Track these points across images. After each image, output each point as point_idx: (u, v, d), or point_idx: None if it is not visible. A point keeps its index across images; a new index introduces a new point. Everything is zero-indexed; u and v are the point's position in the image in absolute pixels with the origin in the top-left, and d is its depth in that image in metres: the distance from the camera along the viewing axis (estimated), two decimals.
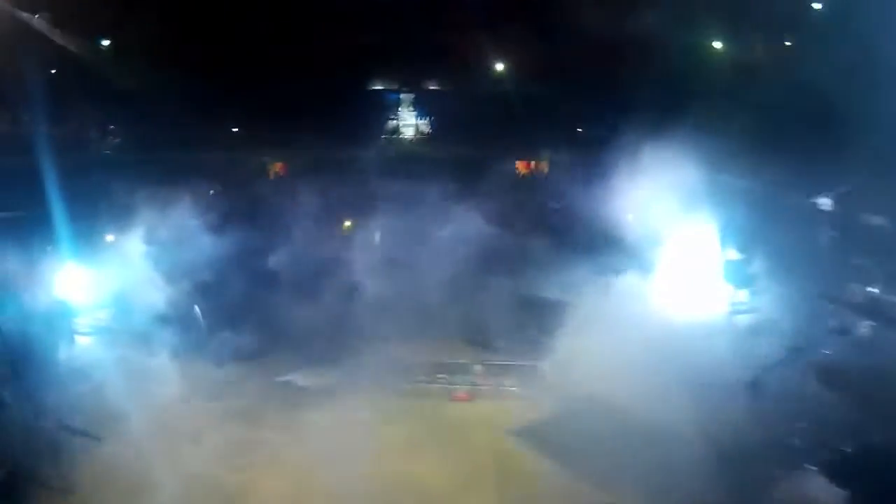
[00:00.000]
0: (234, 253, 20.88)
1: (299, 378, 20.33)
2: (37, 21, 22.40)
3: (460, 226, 21.14)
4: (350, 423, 17.66)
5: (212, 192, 23.32)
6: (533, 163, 25.14)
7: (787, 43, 23.59)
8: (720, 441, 15.65)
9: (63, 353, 18.78)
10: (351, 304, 20.55)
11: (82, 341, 19.86)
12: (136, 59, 23.76)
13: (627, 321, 17.99)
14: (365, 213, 22.46)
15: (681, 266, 19.18)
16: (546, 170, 24.94)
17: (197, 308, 20.81)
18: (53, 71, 23.20)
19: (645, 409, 16.52)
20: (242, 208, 23.21)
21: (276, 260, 21.46)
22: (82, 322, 20.04)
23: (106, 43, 24.12)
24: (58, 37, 22.79)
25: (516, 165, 25.18)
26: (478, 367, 20.24)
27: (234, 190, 24.05)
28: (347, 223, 24.01)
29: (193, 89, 23.70)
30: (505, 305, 21.05)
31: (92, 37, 23.87)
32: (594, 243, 20.12)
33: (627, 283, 19.32)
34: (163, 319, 19.67)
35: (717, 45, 24.34)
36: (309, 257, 21.44)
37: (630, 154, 19.08)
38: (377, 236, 22.31)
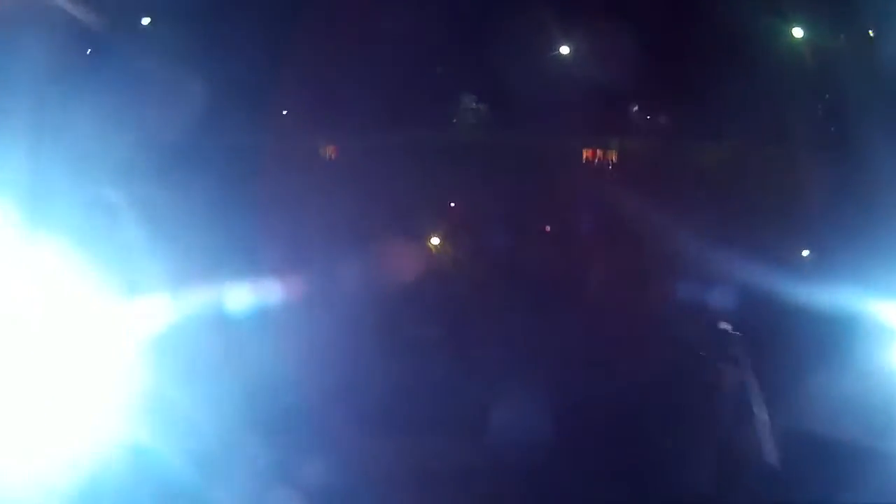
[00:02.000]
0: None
1: None
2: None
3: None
4: None
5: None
6: (599, 151, 23.69)
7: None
8: None
9: None
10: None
11: None
12: (164, 32, 20.23)
13: None
14: (448, 220, 18.98)
15: None
16: (614, 159, 23.58)
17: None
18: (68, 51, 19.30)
19: None
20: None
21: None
22: None
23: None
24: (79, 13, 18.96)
25: (583, 154, 23.66)
26: None
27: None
28: (435, 239, 18.38)
29: (234, 68, 20.56)
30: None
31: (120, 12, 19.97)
32: None
33: None
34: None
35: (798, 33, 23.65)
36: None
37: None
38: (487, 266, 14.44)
